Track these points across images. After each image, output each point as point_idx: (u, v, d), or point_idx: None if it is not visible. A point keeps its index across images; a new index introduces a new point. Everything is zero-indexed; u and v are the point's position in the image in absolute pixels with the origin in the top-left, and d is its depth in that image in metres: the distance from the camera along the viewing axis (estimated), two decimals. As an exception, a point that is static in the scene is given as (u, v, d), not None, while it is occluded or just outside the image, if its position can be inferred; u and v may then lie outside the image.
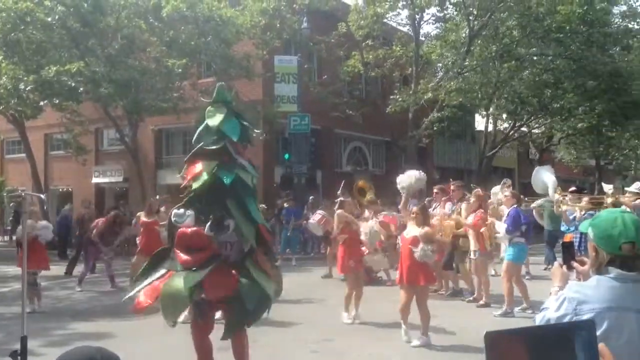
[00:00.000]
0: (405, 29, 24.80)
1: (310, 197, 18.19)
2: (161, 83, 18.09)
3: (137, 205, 17.90)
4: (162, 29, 17.99)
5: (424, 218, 6.98)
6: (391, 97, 22.42)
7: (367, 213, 9.78)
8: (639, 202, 9.64)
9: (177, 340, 5.88)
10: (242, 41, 19.06)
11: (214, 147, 4.80)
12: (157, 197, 12.89)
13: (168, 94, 18.12)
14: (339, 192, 9.58)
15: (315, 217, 11.94)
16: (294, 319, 8.08)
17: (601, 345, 2.09)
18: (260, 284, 4.61)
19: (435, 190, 10.79)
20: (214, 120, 4.84)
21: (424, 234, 6.69)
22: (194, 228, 4.69)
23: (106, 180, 24.81)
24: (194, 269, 4.58)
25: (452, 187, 10.28)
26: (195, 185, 4.80)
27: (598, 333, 2.10)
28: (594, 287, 2.19)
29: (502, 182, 11.50)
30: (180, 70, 17.59)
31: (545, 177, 10.80)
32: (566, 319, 2.14)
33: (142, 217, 10.09)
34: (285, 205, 16.92)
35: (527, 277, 10.64)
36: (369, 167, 27.04)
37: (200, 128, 4.96)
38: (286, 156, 19.52)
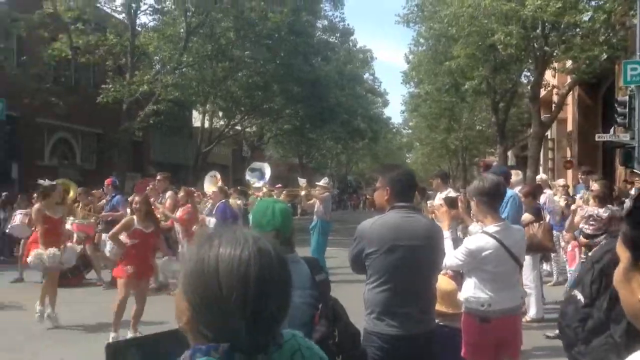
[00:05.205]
0: (120, 17, 23.63)
1: (3, 194, 16.09)
2: None
3: None
4: None
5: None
6: (103, 86, 21.13)
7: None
8: (327, 194, 11.03)
9: None
10: None
11: None
12: None
13: None
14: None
15: (17, 219, 10.83)
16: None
17: None
18: None
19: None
20: None
21: None
22: None
23: None
24: None
25: (158, 178, 10.40)
26: None
27: None
28: None
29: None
30: None
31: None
32: None
33: None
34: None
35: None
36: (77, 161, 25.10)
37: None
38: (-27, 145, 16.82)
